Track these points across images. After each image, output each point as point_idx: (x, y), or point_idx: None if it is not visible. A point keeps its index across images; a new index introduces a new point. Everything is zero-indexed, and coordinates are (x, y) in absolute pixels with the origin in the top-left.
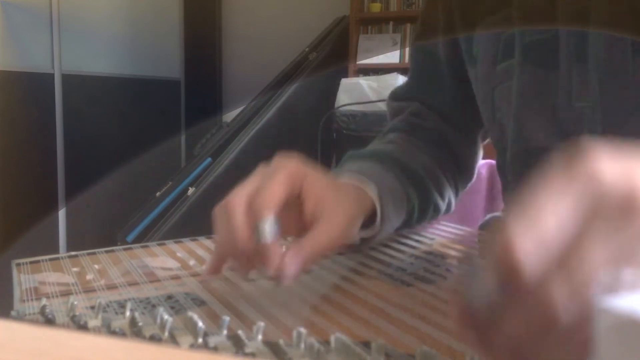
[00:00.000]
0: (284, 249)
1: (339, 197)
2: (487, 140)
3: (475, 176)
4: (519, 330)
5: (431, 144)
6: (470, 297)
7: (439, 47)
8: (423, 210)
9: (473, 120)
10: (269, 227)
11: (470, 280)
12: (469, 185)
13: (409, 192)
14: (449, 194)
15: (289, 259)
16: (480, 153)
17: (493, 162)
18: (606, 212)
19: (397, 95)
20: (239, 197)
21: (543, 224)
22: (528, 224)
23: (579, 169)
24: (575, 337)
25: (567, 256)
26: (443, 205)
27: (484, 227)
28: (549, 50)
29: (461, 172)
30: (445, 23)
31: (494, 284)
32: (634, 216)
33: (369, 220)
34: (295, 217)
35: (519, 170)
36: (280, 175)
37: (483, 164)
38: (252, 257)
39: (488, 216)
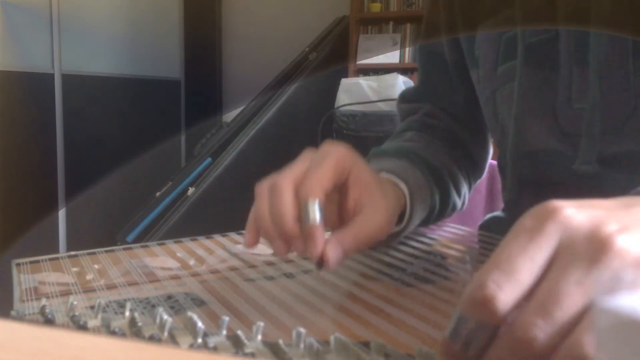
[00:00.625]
0: (327, 236)
1: (382, 191)
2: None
3: (485, 173)
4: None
5: (446, 143)
6: (455, 338)
7: (445, 50)
8: (443, 207)
9: (483, 120)
10: (316, 209)
11: (454, 324)
12: (479, 181)
13: (432, 189)
14: (465, 191)
15: (331, 245)
16: (491, 151)
17: (493, 162)
18: (577, 251)
19: (407, 97)
20: (288, 178)
21: (516, 267)
22: (502, 269)
23: (548, 216)
24: None
25: (543, 296)
26: (459, 203)
27: (484, 227)
28: (550, 51)
29: (474, 170)
30: (448, 26)
31: (473, 325)
32: (605, 256)
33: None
34: (337, 206)
35: (519, 171)
36: (330, 160)
37: None
38: (294, 238)
39: (488, 216)
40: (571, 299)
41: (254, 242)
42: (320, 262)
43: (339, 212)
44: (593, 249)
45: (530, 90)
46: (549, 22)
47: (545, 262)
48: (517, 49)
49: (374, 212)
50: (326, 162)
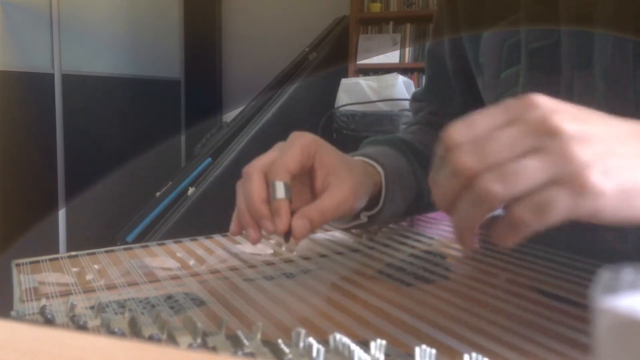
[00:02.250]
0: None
1: (348, 169)
2: None
3: None
4: (446, 185)
5: None
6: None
7: (446, 58)
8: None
9: None
10: (282, 188)
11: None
12: None
13: (418, 174)
14: None
15: (296, 217)
16: None
17: None
18: (525, 121)
19: (417, 96)
20: (256, 165)
21: (475, 120)
22: (465, 121)
23: (518, 99)
24: (480, 193)
25: (483, 137)
26: None
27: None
28: (552, 56)
29: None
30: (452, 34)
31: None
32: (546, 132)
33: (375, 201)
34: (308, 189)
35: None
36: (295, 147)
37: None
38: (263, 218)
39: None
40: (504, 145)
41: (237, 231)
42: (287, 235)
43: (311, 194)
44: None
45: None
46: (551, 27)
47: (500, 122)
48: (520, 54)
49: (337, 188)
50: (292, 148)
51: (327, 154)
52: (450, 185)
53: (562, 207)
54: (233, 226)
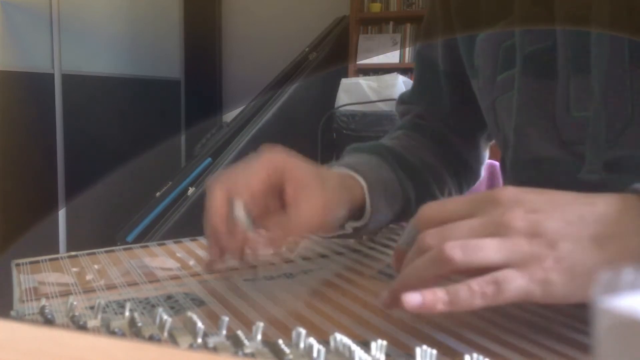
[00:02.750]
0: (257, 233)
1: (318, 183)
2: (492, 142)
3: (481, 177)
4: (412, 257)
5: (433, 142)
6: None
7: (439, 58)
8: (421, 201)
9: (473, 126)
10: (241, 208)
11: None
12: (475, 185)
13: (404, 183)
14: (450, 188)
15: (257, 243)
16: (486, 154)
17: (492, 162)
18: (485, 215)
19: (404, 98)
20: (220, 182)
21: (445, 205)
22: (437, 205)
23: (484, 193)
24: (441, 255)
25: (450, 224)
26: (442, 198)
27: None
28: (547, 60)
29: (465, 171)
30: (445, 35)
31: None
32: (501, 228)
33: (360, 211)
34: (280, 205)
35: (519, 180)
36: (260, 164)
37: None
38: (222, 235)
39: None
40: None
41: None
42: (242, 257)
43: (283, 209)
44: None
45: (530, 100)
46: (546, 30)
47: (465, 211)
48: (515, 58)
49: (306, 203)
50: (257, 164)
51: (297, 169)
52: (412, 255)
53: (514, 287)
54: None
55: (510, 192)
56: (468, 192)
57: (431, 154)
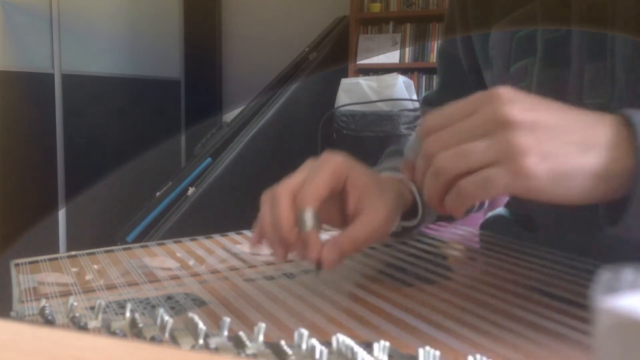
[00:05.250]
0: (323, 239)
1: (380, 191)
2: None
3: None
4: (420, 164)
5: None
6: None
7: (461, 55)
8: None
9: None
10: (310, 217)
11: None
12: None
13: None
14: None
15: (327, 250)
16: None
17: None
18: (483, 113)
19: (429, 100)
20: (286, 188)
21: (445, 111)
22: (438, 112)
23: (483, 92)
24: (436, 169)
25: (450, 127)
26: None
27: (484, 226)
28: (563, 48)
29: None
30: (463, 30)
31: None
32: (496, 122)
33: (411, 209)
34: (340, 210)
35: None
36: (325, 170)
37: None
38: (292, 244)
39: (489, 215)
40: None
41: (257, 244)
42: (318, 265)
43: (341, 216)
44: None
45: (543, 87)
46: (564, 19)
47: (466, 114)
48: (529, 47)
49: (370, 214)
50: (322, 171)
51: (359, 176)
52: (420, 165)
53: (499, 183)
54: (254, 240)
55: (509, 91)
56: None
57: None
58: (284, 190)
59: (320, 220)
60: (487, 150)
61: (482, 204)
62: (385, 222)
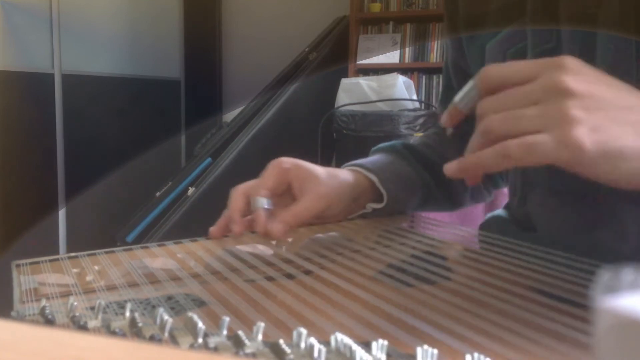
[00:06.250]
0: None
1: (324, 177)
2: None
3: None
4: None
5: (457, 139)
6: (459, 99)
7: (462, 64)
8: (442, 189)
9: None
10: (257, 202)
11: (463, 91)
12: (499, 184)
13: (423, 174)
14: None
15: (270, 222)
16: None
17: None
18: (543, 79)
19: (442, 100)
20: (241, 187)
21: (507, 68)
22: (499, 67)
23: (551, 59)
24: (484, 128)
25: (505, 92)
26: (465, 193)
27: (484, 226)
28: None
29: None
30: (459, 47)
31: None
32: (554, 89)
33: (381, 197)
34: (291, 204)
35: (526, 177)
36: (271, 169)
37: None
38: (240, 222)
39: (488, 215)
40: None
41: (217, 234)
42: (266, 235)
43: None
44: (557, 94)
45: None
46: (551, 30)
47: (528, 78)
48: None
49: (309, 193)
50: (268, 170)
51: (302, 169)
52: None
53: (545, 150)
54: (217, 228)
55: (574, 61)
56: (494, 189)
57: (455, 151)
58: (238, 189)
59: (273, 206)
60: (538, 116)
61: (490, 193)
62: (323, 199)
